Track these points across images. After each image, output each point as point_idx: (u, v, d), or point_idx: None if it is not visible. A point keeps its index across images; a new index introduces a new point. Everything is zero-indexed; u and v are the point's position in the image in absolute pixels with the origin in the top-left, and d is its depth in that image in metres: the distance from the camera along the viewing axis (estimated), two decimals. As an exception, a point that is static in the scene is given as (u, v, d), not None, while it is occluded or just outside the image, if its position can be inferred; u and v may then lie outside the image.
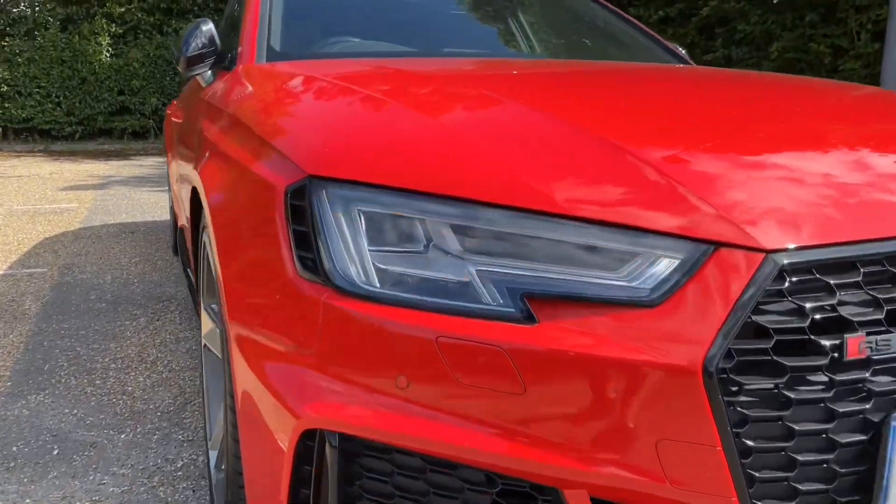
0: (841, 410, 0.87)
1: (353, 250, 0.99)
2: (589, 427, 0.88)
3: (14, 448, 1.94)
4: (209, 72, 2.22)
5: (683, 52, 2.85)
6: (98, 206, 6.41)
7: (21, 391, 2.30)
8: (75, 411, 2.16)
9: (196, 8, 14.87)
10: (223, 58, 2.25)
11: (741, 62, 8.63)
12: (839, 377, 0.86)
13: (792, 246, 0.89)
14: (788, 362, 0.85)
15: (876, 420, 0.88)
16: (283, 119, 1.38)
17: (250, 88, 1.76)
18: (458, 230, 0.97)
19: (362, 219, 1.01)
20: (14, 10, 14.02)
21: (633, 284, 0.90)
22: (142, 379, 2.41)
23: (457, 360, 0.90)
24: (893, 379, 0.89)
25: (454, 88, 1.49)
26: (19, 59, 13.75)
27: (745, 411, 0.85)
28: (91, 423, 2.08)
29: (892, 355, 0.88)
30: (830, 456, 0.87)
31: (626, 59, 2.57)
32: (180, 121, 2.95)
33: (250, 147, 1.33)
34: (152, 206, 6.36)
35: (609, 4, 2.96)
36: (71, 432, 2.03)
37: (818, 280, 0.89)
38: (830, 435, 0.87)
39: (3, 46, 13.75)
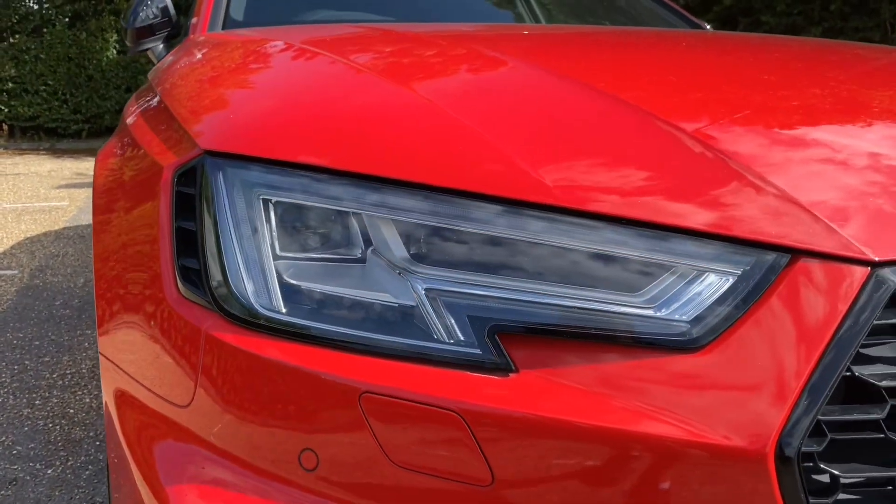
0: None
1: (252, 257, 0.67)
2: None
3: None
4: (161, 45, 1.93)
5: (709, 26, 2.52)
6: (88, 204, 6.15)
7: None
8: (3, 438, 1.87)
9: (204, 4, 14.63)
10: (178, 30, 1.95)
11: (764, 56, 8.24)
12: None
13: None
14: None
15: None
16: (200, 88, 1.07)
17: (188, 59, 1.46)
18: (404, 229, 0.65)
19: (271, 211, 0.69)
20: (21, 4, 13.88)
21: (663, 314, 0.58)
22: (88, 399, 2.11)
23: (391, 428, 0.59)
24: None
25: (428, 49, 1.17)
26: (26, 57, 13.61)
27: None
28: (17, 454, 1.79)
29: None
30: None
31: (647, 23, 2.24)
32: (139, 109, 2.66)
33: (155, 124, 1.03)
34: (145, 205, 6.10)
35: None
36: (-8, 466, 1.73)
37: None
38: None
39: (12, 44, 13.61)
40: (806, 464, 0.53)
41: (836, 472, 0.53)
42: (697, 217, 0.60)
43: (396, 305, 0.63)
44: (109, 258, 0.87)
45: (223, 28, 1.74)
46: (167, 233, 0.75)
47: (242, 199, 0.70)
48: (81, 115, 14.10)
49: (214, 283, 0.67)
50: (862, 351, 0.55)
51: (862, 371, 0.54)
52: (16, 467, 1.73)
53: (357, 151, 0.70)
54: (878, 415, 0.53)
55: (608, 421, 0.55)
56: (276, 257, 0.67)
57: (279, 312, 0.65)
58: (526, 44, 1.31)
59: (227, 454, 0.64)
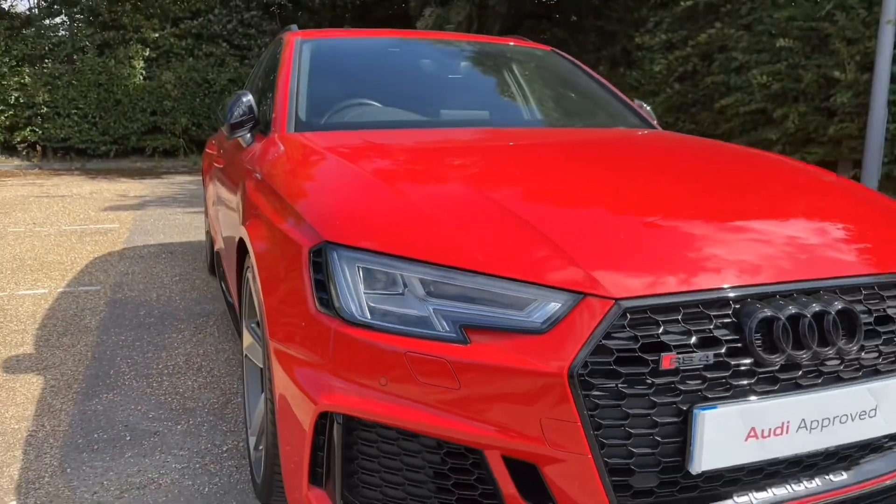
0: (659, 402, 1.36)
1: (353, 294, 1.50)
2: (500, 410, 1.37)
3: (95, 435, 2.47)
4: (248, 135, 2.76)
5: (648, 108, 3.34)
6: (137, 226, 7.01)
7: (95, 391, 2.84)
8: (140, 407, 2.70)
9: (225, 33, 15.59)
10: (259, 123, 2.79)
11: (740, 89, 9.04)
12: (658, 381, 1.36)
13: (637, 294, 1.38)
14: (624, 370, 1.34)
15: (685, 409, 1.37)
16: (305, 188, 1.91)
17: (282, 157, 2.30)
18: (423, 283, 1.48)
19: (360, 272, 1.52)
20: (54, 33, 14.80)
21: (531, 319, 1.40)
22: (190, 382, 2.94)
23: (418, 367, 1.41)
24: (696, 383, 1.37)
25: (426, 167, 2.02)
26: (59, 83, 14.53)
27: (596, 401, 1.34)
28: (153, 417, 2.61)
29: (694, 368, 1.37)
30: (655, 431, 1.37)
31: (595, 121, 3.08)
32: (221, 166, 3.50)
33: (281, 210, 1.86)
34: (186, 227, 6.95)
35: (592, 72, 3.46)
36: (138, 423, 2.56)
37: (650, 318, 1.38)
38: (653, 417, 1.36)
39: (45, 70, 14.52)
40: (581, 378, 1.33)
41: (593, 382, 1.34)
42: (548, 278, 1.41)
43: (420, 316, 1.44)
44: (275, 291, 1.70)
45: (295, 128, 2.57)
46: (309, 280, 1.57)
47: (346, 266, 1.53)
48: (109, 137, 15.01)
49: (337, 306, 1.49)
50: (609, 334, 1.35)
51: (606, 342, 1.35)
52: (154, 425, 2.56)
53: (398, 243, 1.52)
54: (610, 359, 1.34)
55: (508, 363, 1.36)
56: (366, 294, 1.49)
57: (367, 319, 1.47)
58: (483, 162, 2.16)
59: (346, 379, 1.46)
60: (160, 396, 2.80)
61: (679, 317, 1.39)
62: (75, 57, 14.70)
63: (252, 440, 2.12)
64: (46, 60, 14.74)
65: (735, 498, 1.46)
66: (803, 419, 1.43)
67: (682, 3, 9.58)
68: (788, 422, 1.42)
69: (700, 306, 1.40)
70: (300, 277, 1.60)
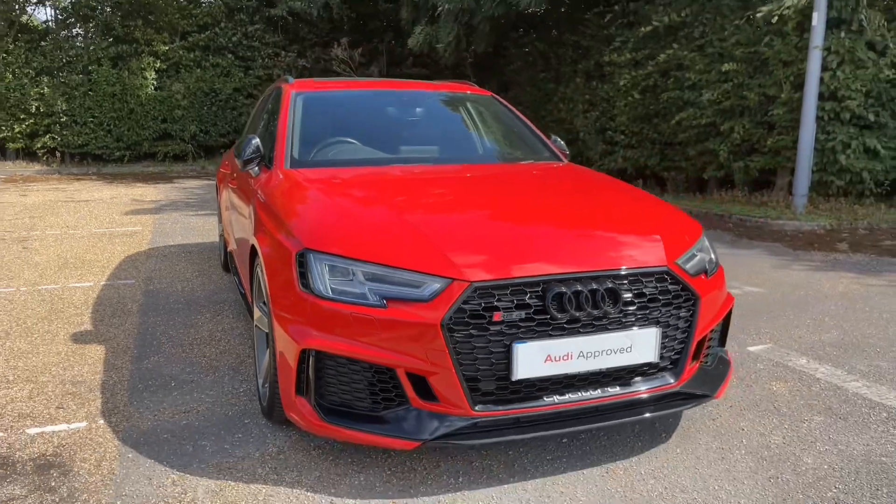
0: (493, 339, 2.38)
1: (322, 280, 2.52)
2: (403, 345, 2.39)
3: (149, 382, 3.50)
4: (256, 168, 3.79)
5: (562, 143, 4.36)
6: (157, 229, 8.06)
7: (144, 355, 3.88)
8: (178, 366, 3.73)
9: (231, 45, 16.60)
10: (264, 158, 3.82)
11: (694, 104, 10.05)
12: (492, 327, 2.38)
13: (483, 279, 2.40)
14: (472, 321, 2.37)
15: (508, 343, 2.39)
16: (294, 210, 2.95)
17: (280, 187, 3.33)
18: (363, 273, 2.50)
19: (326, 267, 2.54)
20: (71, 46, 15.84)
21: (423, 293, 2.42)
22: (213, 350, 3.98)
23: (358, 322, 2.43)
24: (514, 329, 2.39)
25: (370, 195, 3.06)
26: (76, 93, 15.59)
27: (457, 339, 2.37)
28: (189, 371, 3.65)
29: (513, 321, 2.39)
30: (491, 356, 2.39)
31: (514, 156, 4.11)
32: (234, 186, 4.53)
33: (278, 226, 2.89)
34: (200, 230, 8.00)
35: (521, 115, 4.48)
36: (178, 375, 3.59)
37: (492, 293, 2.40)
38: (490, 348, 2.38)
39: (63, 81, 15.55)
40: (449, 326, 2.34)
41: (456, 329, 2.35)
42: (433, 269, 2.43)
43: (360, 292, 2.47)
44: (275, 279, 2.73)
45: (290, 165, 3.60)
46: (295, 272, 2.60)
47: (317, 263, 2.55)
48: (123, 143, 16.08)
49: (311, 287, 2.52)
50: (466, 301, 2.37)
51: (464, 306, 2.36)
52: (191, 377, 3.59)
53: (352, 250, 2.55)
54: (464, 316, 2.36)
55: (408, 318, 2.38)
56: (329, 280, 2.52)
57: (329, 295, 2.49)
58: (414, 189, 3.20)
59: (318, 329, 2.48)
60: (192, 358, 3.83)
61: (507, 291, 2.41)
62: (91, 69, 15.74)
63: (260, 381, 3.15)
64: (64, 72, 15.78)
65: (545, 398, 2.49)
66: (581, 351, 2.46)
67: (642, 30, 10.57)
68: (571, 352, 2.45)
69: (521, 286, 2.43)
70: (290, 270, 2.63)
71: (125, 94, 15.77)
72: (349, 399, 2.52)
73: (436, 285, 2.41)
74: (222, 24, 16.54)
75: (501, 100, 4.60)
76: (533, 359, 2.41)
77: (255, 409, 3.17)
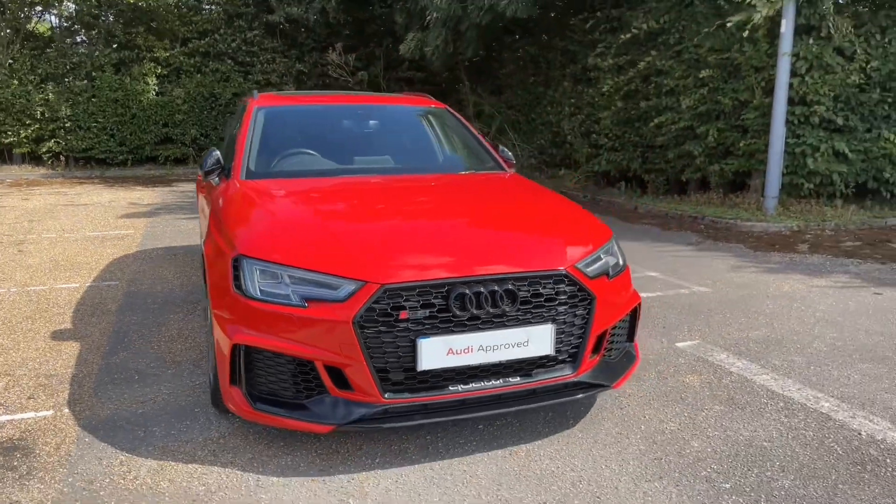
0: (400, 335, 2.69)
1: (252, 282, 2.83)
2: (321, 340, 2.70)
3: (115, 376, 3.82)
4: (217, 178, 4.11)
5: (509, 154, 4.65)
6: (149, 232, 8.41)
7: (114, 351, 4.21)
8: (145, 361, 4.06)
9: (230, 51, 16.96)
10: (224, 169, 4.14)
11: (671, 109, 10.31)
12: (398, 324, 2.68)
13: (392, 281, 2.71)
14: (381, 319, 2.67)
15: (413, 338, 2.69)
16: (236, 219, 3.26)
17: (230, 198, 3.64)
18: (288, 277, 2.81)
19: (257, 271, 2.85)
20: (74, 53, 16.27)
21: (339, 294, 2.73)
22: (180, 346, 4.30)
23: (281, 319, 2.74)
24: (419, 326, 2.69)
25: (304, 206, 3.37)
26: (80, 98, 16.01)
27: (367, 334, 2.67)
28: (154, 366, 3.97)
29: (418, 318, 2.69)
30: (398, 349, 2.69)
31: (457, 166, 4.40)
32: (203, 194, 4.86)
33: (222, 233, 3.20)
34: (188, 233, 8.34)
35: (471, 126, 4.78)
36: (143, 370, 3.92)
37: (400, 294, 2.70)
38: (397, 343, 2.69)
39: (68, 87, 15.96)
40: (361, 324, 2.64)
41: (367, 326, 2.65)
42: (349, 272, 2.73)
43: (286, 294, 2.77)
44: (214, 281, 3.04)
45: (245, 176, 3.91)
46: (230, 275, 2.91)
47: (248, 267, 2.86)
48: (126, 147, 16.49)
49: (243, 288, 2.83)
50: (376, 301, 2.67)
51: (374, 305, 2.67)
52: (154, 370, 3.91)
53: (280, 256, 2.86)
54: (374, 314, 2.66)
55: (325, 317, 2.68)
56: (259, 283, 2.83)
57: (258, 296, 2.80)
58: (351, 199, 3.51)
59: (247, 327, 2.78)
60: (159, 354, 4.16)
61: (415, 293, 2.71)
62: (94, 75, 16.14)
63: (211, 374, 3.46)
64: (69, 78, 16.20)
65: (449, 387, 2.79)
66: (481, 345, 2.76)
67: (622, 36, 10.83)
68: (472, 346, 2.74)
69: (427, 288, 2.73)
70: (227, 273, 2.94)
71: (127, 100, 16.18)
72: (276, 388, 2.83)
73: (350, 287, 2.72)
74: (222, 31, 16.92)
75: (455, 112, 4.90)
76: (436, 352, 2.71)
77: (207, 400, 3.48)
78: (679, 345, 4.27)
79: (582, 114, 12.66)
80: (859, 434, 3.07)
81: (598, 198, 11.47)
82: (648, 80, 10.80)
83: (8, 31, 15.90)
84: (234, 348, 2.83)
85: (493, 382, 2.86)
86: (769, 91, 8.89)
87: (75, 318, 4.88)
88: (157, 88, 16.48)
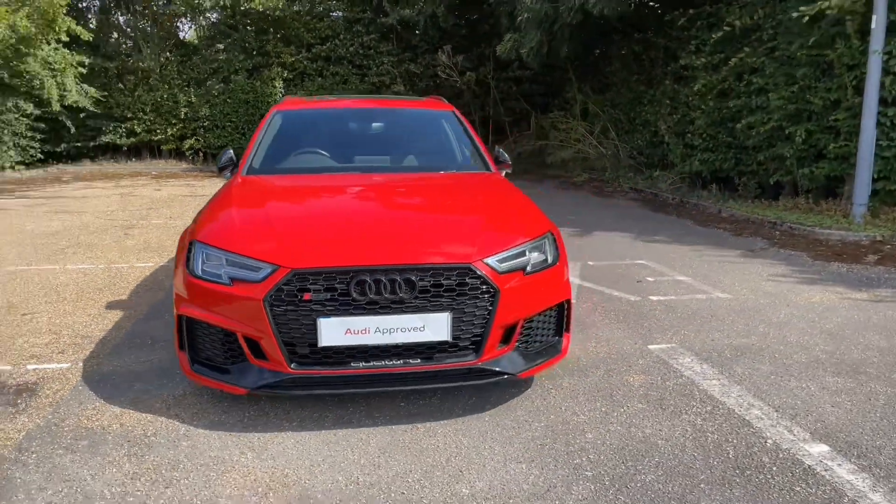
0: (303, 314, 3.05)
1: (198, 264, 3.31)
2: (241, 315, 3.12)
3: (136, 341, 4.48)
4: (229, 174, 4.67)
5: (505, 156, 4.86)
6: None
7: (146, 320, 4.89)
8: (165, 331, 4.70)
9: (349, 55, 17.98)
10: (235, 166, 4.69)
11: (761, 109, 9.86)
12: (302, 305, 3.05)
13: (302, 266, 3.08)
14: (287, 299, 3.05)
15: (314, 318, 3.05)
16: (207, 208, 3.77)
17: (222, 189, 4.18)
18: (224, 259, 3.26)
19: (203, 254, 3.33)
20: (214, 59, 18.00)
21: (259, 276, 3.14)
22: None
23: (213, 295, 3.19)
24: (320, 306, 3.04)
25: (265, 200, 3.81)
26: (217, 100, 17.69)
27: (276, 312, 3.06)
28: (168, 336, 4.60)
29: (320, 300, 3.04)
30: (301, 327, 3.06)
31: (442, 166, 4.66)
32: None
33: (195, 220, 3.72)
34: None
35: (472, 129, 5.04)
36: (159, 337, 4.55)
37: (307, 278, 3.07)
38: (301, 321, 3.05)
39: (207, 90, 17.67)
40: (271, 302, 3.04)
41: (276, 304, 3.04)
42: (268, 258, 3.14)
43: (221, 273, 3.22)
44: (177, 262, 3.57)
45: (247, 172, 4.44)
46: (184, 258, 3.41)
47: (197, 251, 3.35)
48: (254, 145, 17.94)
49: (191, 269, 3.31)
50: (285, 284, 3.05)
51: (284, 287, 3.05)
52: (166, 338, 4.53)
53: (224, 242, 3.32)
54: (283, 294, 3.04)
55: (244, 294, 3.10)
56: (203, 265, 3.31)
57: (202, 276, 3.28)
58: (326, 196, 3.92)
59: (193, 303, 3.26)
60: (178, 325, 4.79)
61: (321, 277, 3.07)
62: (233, 79, 17.75)
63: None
64: (211, 81, 17.93)
65: (352, 364, 3.12)
66: (378, 327, 3.06)
67: (713, 35, 10.45)
68: (369, 328, 3.06)
69: (332, 273, 3.08)
70: (183, 255, 3.44)
71: (257, 101, 17.67)
72: (210, 354, 3.30)
73: (268, 270, 3.12)
74: (341, 36, 18.00)
75: (460, 116, 5.17)
76: (334, 331, 3.06)
77: (192, 365, 4.03)
78: (651, 347, 4.29)
79: (678, 113, 12.31)
80: (765, 442, 3.05)
81: (685, 200, 11.14)
82: (741, 79, 10.35)
83: (165, 42, 17.89)
84: (179, 318, 3.33)
85: (394, 362, 3.16)
86: (861, 90, 8.29)
87: (134, 291, 5.68)
88: (283, 91, 17.84)
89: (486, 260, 3.22)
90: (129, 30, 18.36)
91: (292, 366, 3.11)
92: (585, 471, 2.82)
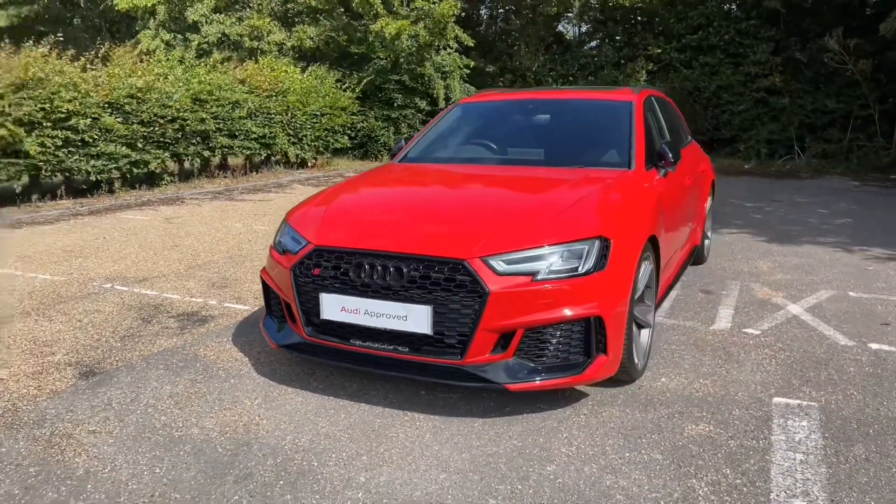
0: (312, 287, 3.32)
1: (280, 236, 3.81)
2: (281, 282, 3.54)
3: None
4: (395, 160, 5.10)
5: (669, 156, 4.27)
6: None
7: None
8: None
9: (722, 43, 16.73)
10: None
11: None
12: (313, 279, 3.32)
13: (322, 244, 3.37)
14: (306, 272, 3.37)
15: (318, 292, 3.29)
16: (329, 189, 4.26)
17: (362, 174, 4.63)
18: (290, 235, 3.71)
19: (284, 229, 3.83)
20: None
21: (297, 248, 3.50)
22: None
23: (273, 263, 3.67)
24: (324, 281, 3.27)
25: (384, 186, 4.11)
26: (581, 95, 18.22)
27: (299, 281, 3.39)
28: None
29: (324, 276, 3.27)
30: (309, 298, 3.33)
31: (583, 161, 4.31)
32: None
33: (313, 201, 4.26)
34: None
35: (639, 122, 4.53)
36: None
37: (323, 255, 3.34)
38: (310, 294, 3.33)
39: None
40: (296, 273, 3.37)
41: (300, 275, 3.37)
42: (307, 233, 3.49)
43: (284, 243, 3.68)
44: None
45: (401, 160, 4.82)
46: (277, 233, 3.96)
47: (282, 228, 3.86)
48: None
49: (273, 241, 3.85)
50: (308, 257, 3.36)
51: (306, 261, 3.36)
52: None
53: (298, 220, 3.77)
54: (307, 268, 3.35)
55: (283, 264, 3.51)
56: (281, 238, 3.81)
57: (274, 244, 3.78)
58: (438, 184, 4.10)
59: (268, 266, 3.80)
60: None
61: (333, 256, 3.32)
62: (598, 74, 18.09)
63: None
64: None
65: (351, 340, 3.29)
66: (367, 309, 3.18)
67: None
68: (359, 308, 3.19)
69: (342, 254, 3.29)
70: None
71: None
72: (275, 312, 3.79)
73: (303, 244, 3.48)
74: (716, 24, 16.79)
75: (636, 109, 4.64)
76: (332, 306, 3.27)
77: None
78: (779, 400, 3.40)
79: None
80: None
81: None
82: None
83: (538, 41, 19.16)
84: (262, 280, 3.90)
85: (385, 346, 3.22)
86: None
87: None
88: (646, 79, 17.51)
89: (485, 257, 3.05)
90: (513, 33, 20.05)
91: (307, 330, 3.42)
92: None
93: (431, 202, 3.81)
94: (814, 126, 16.03)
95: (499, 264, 3.04)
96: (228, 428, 3.10)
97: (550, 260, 3.08)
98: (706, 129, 16.86)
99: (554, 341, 3.11)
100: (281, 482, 2.66)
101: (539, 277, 3.04)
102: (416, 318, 3.09)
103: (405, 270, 3.10)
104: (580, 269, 3.09)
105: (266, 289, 3.83)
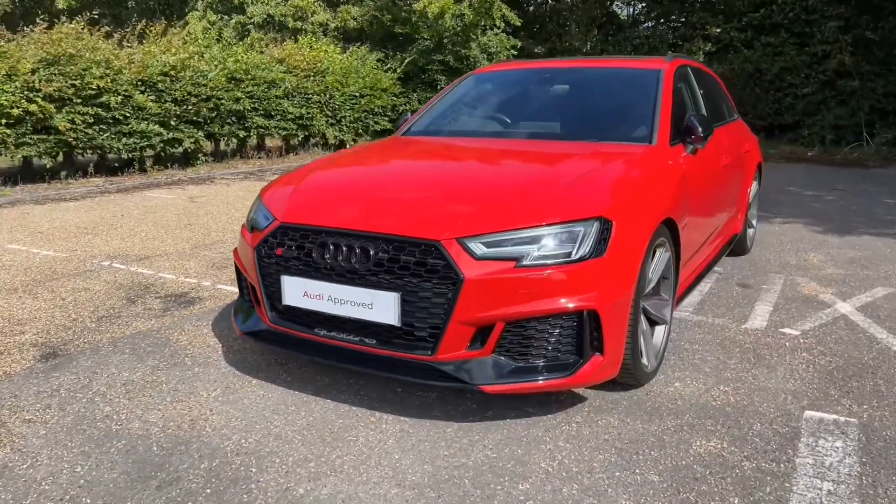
0: (273, 268, 2.97)
1: (252, 212, 3.48)
2: (247, 262, 3.21)
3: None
4: (399, 133, 4.70)
5: (696, 127, 3.74)
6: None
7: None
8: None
9: (786, 22, 15.74)
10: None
11: None
12: (275, 260, 2.97)
13: (287, 221, 3.01)
14: (269, 251, 3.01)
15: (280, 274, 2.94)
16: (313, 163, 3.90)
17: (355, 147, 4.25)
18: (262, 209, 3.37)
19: (258, 205, 3.47)
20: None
21: (264, 225, 3.16)
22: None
23: (241, 241, 3.35)
24: (287, 262, 2.92)
25: (369, 163, 3.72)
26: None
27: (262, 261, 3.05)
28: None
29: (287, 257, 2.92)
30: (271, 281, 2.98)
31: (595, 135, 3.82)
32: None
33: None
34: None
35: (667, 94, 4.01)
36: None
37: (286, 231, 2.98)
38: (272, 276, 2.98)
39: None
40: (259, 254, 3.04)
41: (264, 255, 3.02)
42: (275, 209, 3.14)
43: (255, 219, 3.35)
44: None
45: (403, 133, 4.42)
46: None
47: (255, 205, 3.53)
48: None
49: (248, 216, 3.52)
50: (273, 235, 3.01)
51: (271, 239, 3.00)
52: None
53: (272, 195, 3.43)
54: (271, 248, 3.00)
55: (250, 242, 3.18)
56: (253, 214, 3.48)
57: (246, 222, 3.46)
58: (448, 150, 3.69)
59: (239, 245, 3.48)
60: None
61: (297, 234, 2.95)
62: (651, 55, 17.27)
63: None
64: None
65: (315, 330, 2.93)
66: (330, 295, 2.81)
67: None
68: (322, 294, 2.82)
69: (306, 231, 2.93)
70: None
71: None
72: (246, 297, 3.45)
73: (269, 220, 3.13)
74: (780, 1, 15.75)
75: (665, 78, 4.12)
76: (294, 290, 2.91)
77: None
78: (809, 413, 2.89)
79: None
80: None
81: None
82: None
83: (590, 20, 18.41)
84: (234, 262, 3.57)
85: (351, 338, 2.85)
86: None
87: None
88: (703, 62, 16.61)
89: (462, 239, 2.64)
90: (563, 12, 19.34)
91: (271, 316, 3.07)
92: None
93: (417, 179, 3.39)
94: (885, 111, 14.88)
95: (478, 247, 2.63)
96: (173, 423, 2.79)
97: (539, 243, 2.64)
98: (767, 113, 15.86)
99: (540, 337, 2.68)
100: (208, 490, 2.32)
101: (524, 263, 2.61)
102: (381, 307, 2.70)
103: (372, 252, 2.72)
104: (573, 254, 2.64)
105: (238, 270, 3.51)
